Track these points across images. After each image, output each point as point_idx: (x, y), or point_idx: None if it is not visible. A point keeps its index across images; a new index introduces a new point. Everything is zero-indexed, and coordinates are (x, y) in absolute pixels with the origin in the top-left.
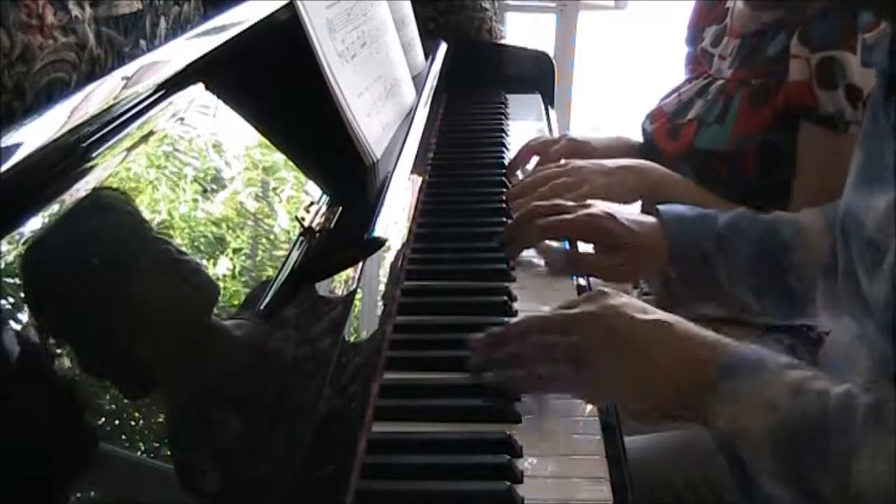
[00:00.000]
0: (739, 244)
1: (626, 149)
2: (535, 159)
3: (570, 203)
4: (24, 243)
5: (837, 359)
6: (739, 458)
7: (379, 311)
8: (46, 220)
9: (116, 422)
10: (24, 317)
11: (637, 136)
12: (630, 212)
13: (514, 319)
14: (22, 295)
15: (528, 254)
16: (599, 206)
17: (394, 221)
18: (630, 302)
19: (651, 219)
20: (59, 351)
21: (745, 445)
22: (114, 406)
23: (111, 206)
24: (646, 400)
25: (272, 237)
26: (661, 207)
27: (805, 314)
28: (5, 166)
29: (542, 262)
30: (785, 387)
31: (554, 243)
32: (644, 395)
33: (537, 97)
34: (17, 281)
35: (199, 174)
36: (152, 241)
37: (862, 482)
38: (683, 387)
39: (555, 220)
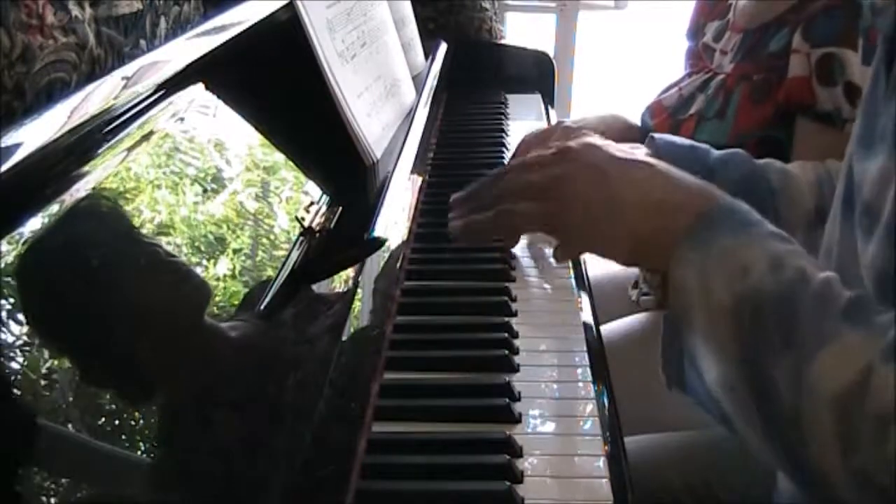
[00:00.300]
0: (726, 179)
1: (622, 129)
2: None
3: (541, 156)
4: (24, 243)
5: None
6: (680, 325)
7: (379, 311)
8: (46, 220)
9: (116, 422)
10: (23, 317)
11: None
12: (612, 143)
13: (514, 320)
14: (21, 295)
15: (529, 254)
16: (574, 141)
17: (394, 221)
18: (609, 142)
19: (643, 148)
20: (59, 351)
21: (704, 305)
22: (113, 406)
23: (111, 207)
24: (617, 242)
25: (272, 237)
26: (656, 136)
27: None
28: (5, 166)
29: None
30: (765, 255)
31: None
32: (615, 237)
33: (537, 97)
34: (17, 281)
35: (200, 174)
36: (151, 240)
37: (820, 374)
38: (655, 230)
39: (505, 212)
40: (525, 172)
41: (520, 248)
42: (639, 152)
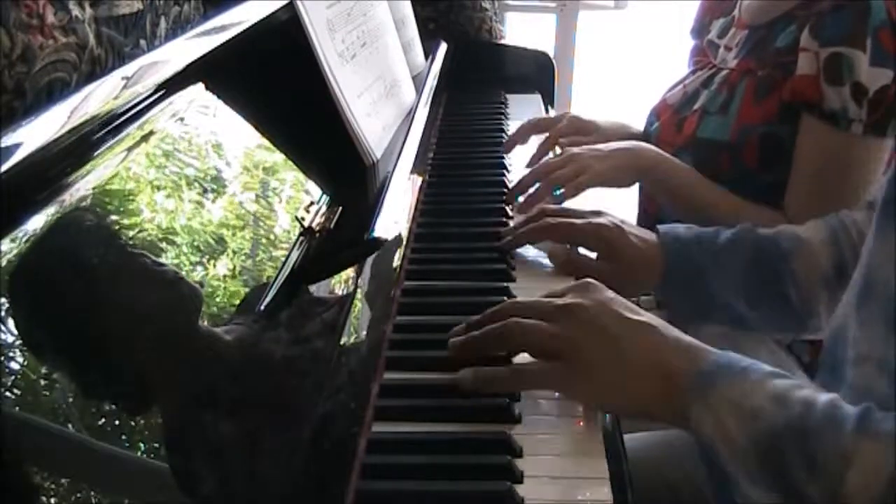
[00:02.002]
0: (736, 254)
1: (628, 137)
2: (533, 139)
3: (580, 209)
4: (24, 243)
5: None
6: (720, 465)
7: (379, 311)
8: (46, 220)
9: (116, 422)
10: (23, 317)
11: (639, 128)
12: (633, 225)
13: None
14: (22, 295)
15: (530, 255)
16: (608, 216)
17: (394, 221)
18: (618, 298)
19: (652, 235)
20: (59, 351)
21: (731, 454)
22: (114, 406)
23: (111, 207)
24: (624, 400)
25: (272, 237)
26: (660, 227)
27: (802, 328)
28: (5, 166)
29: (542, 264)
30: (769, 395)
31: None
32: (622, 396)
33: (537, 97)
34: (18, 281)
35: (199, 174)
36: (151, 240)
37: (854, 493)
38: (661, 392)
39: (563, 222)
40: (529, 332)
41: (520, 248)
42: (647, 241)
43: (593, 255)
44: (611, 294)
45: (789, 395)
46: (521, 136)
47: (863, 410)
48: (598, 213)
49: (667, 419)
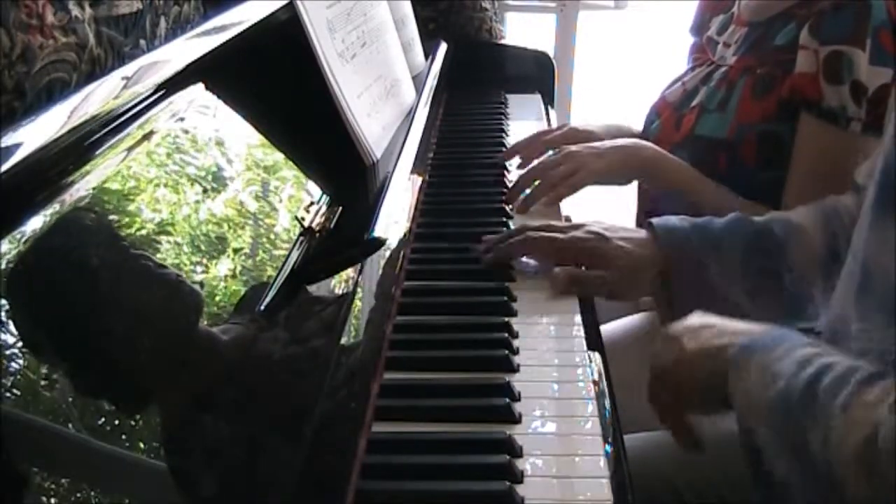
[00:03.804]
0: (733, 246)
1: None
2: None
3: (561, 224)
4: (24, 243)
5: None
6: (756, 447)
7: (379, 311)
8: (46, 220)
9: (116, 422)
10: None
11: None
12: (622, 227)
13: (513, 320)
14: (22, 294)
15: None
16: (590, 226)
17: (394, 221)
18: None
19: (642, 233)
20: (58, 350)
21: (752, 419)
22: (114, 406)
23: (111, 207)
24: (675, 388)
25: (272, 237)
26: (654, 221)
27: (801, 316)
28: (5, 166)
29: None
30: (794, 360)
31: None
32: (674, 385)
33: (537, 97)
34: (18, 281)
35: (200, 174)
36: (151, 240)
37: (843, 436)
38: (708, 376)
39: (544, 237)
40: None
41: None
42: (636, 241)
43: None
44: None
45: (814, 359)
46: (519, 151)
47: (875, 371)
48: (578, 227)
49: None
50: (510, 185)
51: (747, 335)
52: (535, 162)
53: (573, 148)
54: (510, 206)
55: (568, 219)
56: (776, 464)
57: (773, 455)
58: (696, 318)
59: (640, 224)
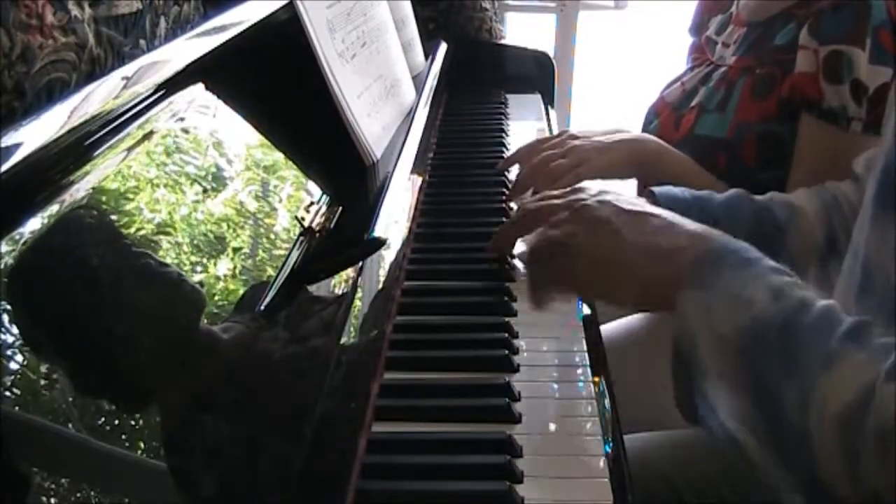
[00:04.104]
0: (733, 222)
1: None
2: (532, 135)
3: (558, 191)
4: (24, 243)
5: None
6: (689, 363)
7: (379, 311)
8: (46, 220)
9: (116, 422)
10: (23, 316)
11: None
12: (623, 196)
13: (513, 320)
14: (22, 295)
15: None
16: (587, 191)
17: (394, 221)
18: (619, 194)
19: (642, 201)
20: (58, 350)
21: (710, 342)
22: (114, 406)
23: (111, 207)
24: (624, 289)
25: (272, 237)
26: (655, 189)
27: None
28: (5, 166)
29: None
30: (767, 288)
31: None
32: (623, 284)
33: (537, 97)
34: (18, 281)
35: (199, 174)
36: (151, 240)
37: (824, 396)
38: (661, 275)
39: (544, 205)
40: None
41: (520, 248)
42: (646, 208)
43: None
44: (613, 194)
45: (788, 290)
46: (518, 159)
47: (858, 322)
48: (576, 190)
49: (660, 306)
50: (510, 185)
51: (707, 241)
52: (535, 160)
53: (577, 142)
54: (511, 206)
55: None
56: (731, 403)
57: (731, 390)
58: (637, 200)
59: None
